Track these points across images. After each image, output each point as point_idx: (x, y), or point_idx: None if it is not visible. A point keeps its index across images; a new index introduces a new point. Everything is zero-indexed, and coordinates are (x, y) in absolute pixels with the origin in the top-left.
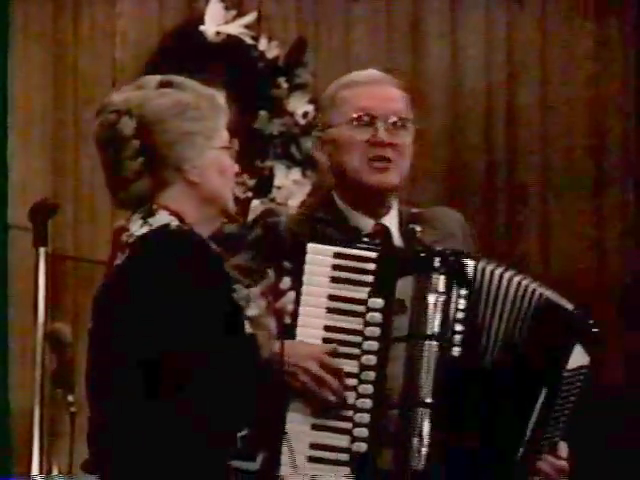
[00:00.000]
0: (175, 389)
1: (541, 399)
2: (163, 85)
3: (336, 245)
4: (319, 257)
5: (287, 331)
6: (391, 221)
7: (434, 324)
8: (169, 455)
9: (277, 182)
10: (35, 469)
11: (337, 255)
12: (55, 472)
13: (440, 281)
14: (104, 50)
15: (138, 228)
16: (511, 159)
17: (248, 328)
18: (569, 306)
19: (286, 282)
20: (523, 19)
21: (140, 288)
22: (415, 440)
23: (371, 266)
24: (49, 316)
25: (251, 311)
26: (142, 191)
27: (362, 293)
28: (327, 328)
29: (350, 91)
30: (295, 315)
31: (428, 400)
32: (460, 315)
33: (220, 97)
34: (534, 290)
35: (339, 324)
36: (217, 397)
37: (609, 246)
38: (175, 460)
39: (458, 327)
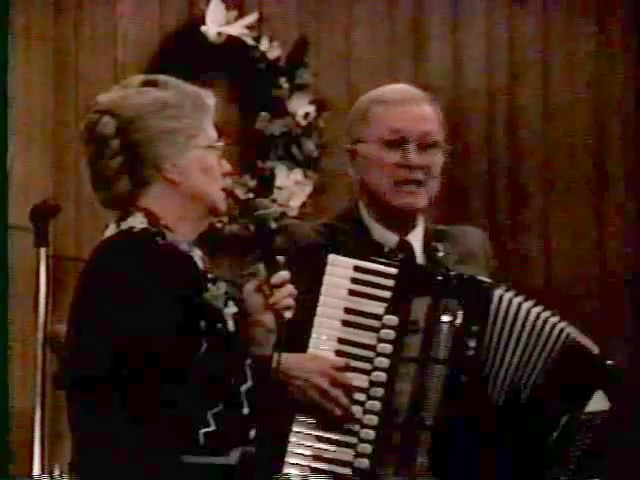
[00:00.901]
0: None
1: (552, 438)
2: (146, 84)
3: (357, 258)
4: (339, 269)
5: (291, 328)
6: (416, 237)
7: (444, 348)
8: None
9: (278, 183)
10: (36, 469)
11: (357, 268)
12: (56, 472)
13: (454, 306)
14: (105, 51)
15: (110, 232)
16: (512, 160)
17: (231, 326)
18: (594, 349)
19: (280, 276)
20: (524, 20)
21: (87, 294)
22: (418, 462)
23: (390, 282)
24: (50, 317)
25: (231, 309)
26: (123, 191)
27: (379, 308)
28: (341, 340)
29: (383, 109)
30: (308, 323)
31: (429, 423)
32: (472, 343)
33: (207, 96)
34: (556, 325)
35: (353, 337)
36: (171, 397)
37: (610, 247)
38: (132, 457)
39: (469, 354)
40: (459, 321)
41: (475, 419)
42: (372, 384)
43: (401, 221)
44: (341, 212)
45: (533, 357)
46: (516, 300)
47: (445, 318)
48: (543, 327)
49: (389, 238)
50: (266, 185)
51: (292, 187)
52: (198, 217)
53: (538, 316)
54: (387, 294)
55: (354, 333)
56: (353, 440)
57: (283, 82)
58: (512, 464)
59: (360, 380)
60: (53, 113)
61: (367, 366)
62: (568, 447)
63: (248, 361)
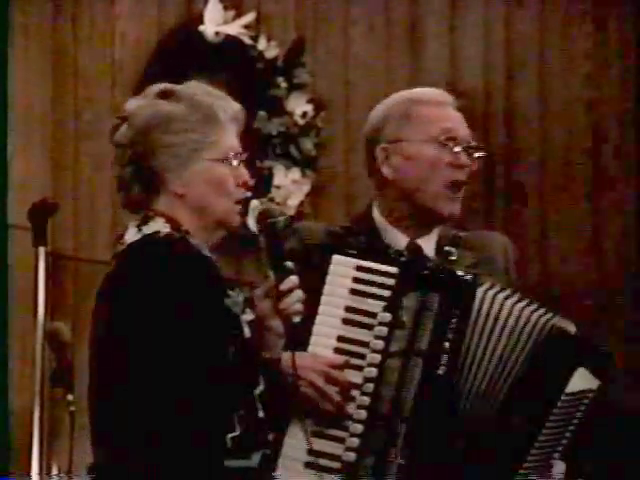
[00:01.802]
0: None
1: (538, 422)
2: (161, 95)
3: (359, 258)
4: (342, 268)
5: (299, 332)
6: (429, 241)
7: (424, 341)
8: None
9: (276, 182)
10: (35, 468)
11: (359, 268)
12: (55, 472)
13: (435, 299)
14: (103, 50)
15: (132, 236)
16: (510, 159)
17: (247, 332)
18: (572, 329)
19: (289, 282)
20: (521, 19)
21: (123, 298)
22: (392, 452)
23: (391, 281)
24: (49, 316)
25: (248, 316)
26: (136, 198)
27: (377, 307)
28: (340, 339)
29: (429, 109)
30: (310, 322)
31: (406, 415)
32: (450, 335)
33: (228, 106)
34: (544, 320)
35: (352, 335)
36: (205, 403)
37: (609, 247)
38: (169, 461)
39: (447, 346)
40: (439, 314)
41: (452, 410)
42: (365, 380)
43: (428, 227)
44: (355, 215)
45: (516, 348)
46: (501, 295)
47: (426, 312)
48: (527, 322)
49: (400, 240)
50: (264, 184)
51: (290, 186)
52: (207, 228)
53: (521, 310)
54: (387, 292)
55: (354, 331)
56: (344, 435)
57: (281, 81)
58: (495, 455)
59: (357, 377)
60: (52, 112)
61: (363, 363)
62: (550, 429)
63: (259, 365)
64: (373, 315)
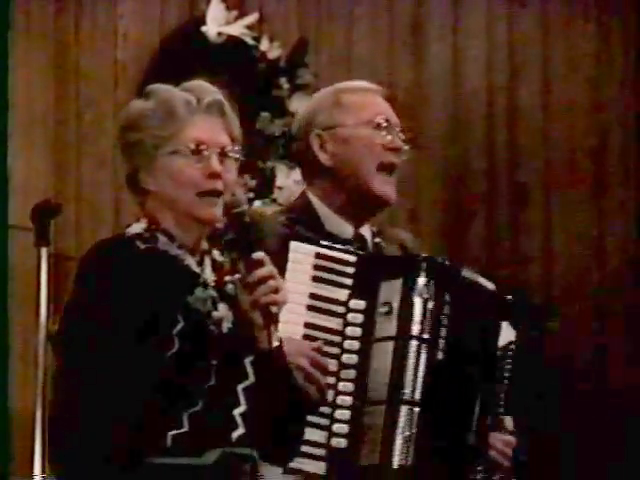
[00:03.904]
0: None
1: (480, 379)
2: (143, 94)
3: (318, 246)
4: (301, 255)
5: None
6: (366, 233)
7: (420, 326)
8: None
9: (278, 182)
10: (37, 470)
11: (318, 255)
12: None
13: (426, 285)
14: (106, 50)
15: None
16: (512, 160)
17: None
18: (489, 286)
19: (255, 274)
20: (524, 20)
21: (73, 293)
22: (399, 436)
23: (350, 269)
24: (51, 317)
25: (218, 313)
26: (132, 197)
27: (342, 294)
28: (307, 325)
29: (359, 96)
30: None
31: (413, 398)
32: (445, 320)
33: (182, 101)
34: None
35: (318, 322)
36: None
37: (610, 247)
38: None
39: (443, 331)
40: (431, 299)
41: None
42: (344, 366)
43: (368, 212)
44: (292, 204)
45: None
46: (480, 279)
47: (417, 297)
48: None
49: (344, 229)
50: (266, 185)
51: (292, 187)
52: (182, 224)
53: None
54: (348, 280)
55: (320, 318)
56: (326, 422)
57: (283, 82)
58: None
59: (330, 364)
60: (53, 112)
61: (335, 350)
62: (493, 383)
63: (248, 359)
64: (340, 303)
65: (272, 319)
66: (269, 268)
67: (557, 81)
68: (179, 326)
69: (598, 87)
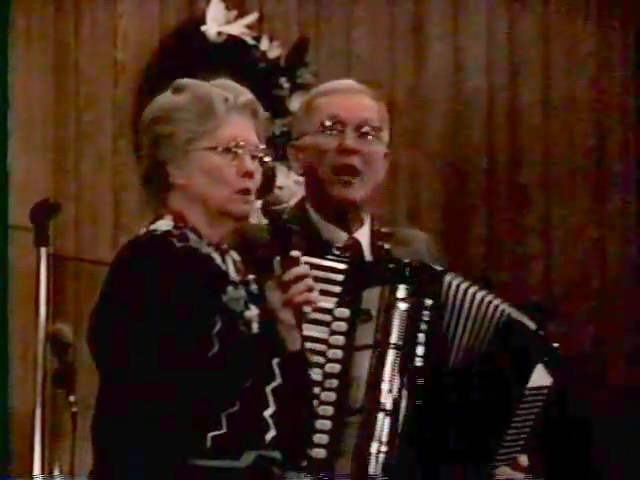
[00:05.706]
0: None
1: (500, 415)
2: (172, 88)
3: (308, 255)
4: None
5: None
6: (363, 237)
7: (398, 334)
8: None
9: (279, 182)
10: (36, 469)
11: (308, 265)
12: (56, 472)
13: (406, 292)
14: (105, 50)
15: (141, 234)
16: (513, 159)
17: (255, 328)
18: (531, 325)
19: (293, 272)
20: (524, 20)
21: (107, 296)
22: (374, 446)
23: (339, 277)
24: (50, 316)
25: (249, 312)
26: (152, 195)
27: (329, 303)
28: None
29: (324, 99)
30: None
31: (388, 407)
32: (424, 327)
33: (221, 98)
34: (497, 307)
35: (306, 332)
36: (184, 401)
37: (611, 247)
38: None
39: (421, 338)
40: (411, 306)
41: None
42: (327, 376)
43: (343, 216)
44: (290, 213)
45: (479, 339)
46: (463, 285)
47: (397, 304)
48: (487, 308)
49: (338, 236)
50: (267, 184)
51: (292, 186)
52: (212, 220)
53: (482, 299)
54: (337, 288)
55: (307, 328)
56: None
57: (283, 82)
58: (463, 442)
59: (316, 374)
60: (53, 112)
61: (321, 360)
62: (514, 422)
63: (276, 360)
64: (327, 311)
65: (303, 319)
66: (305, 267)
67: (557, 81)
68: (217, 326)
69: (599, 86)
